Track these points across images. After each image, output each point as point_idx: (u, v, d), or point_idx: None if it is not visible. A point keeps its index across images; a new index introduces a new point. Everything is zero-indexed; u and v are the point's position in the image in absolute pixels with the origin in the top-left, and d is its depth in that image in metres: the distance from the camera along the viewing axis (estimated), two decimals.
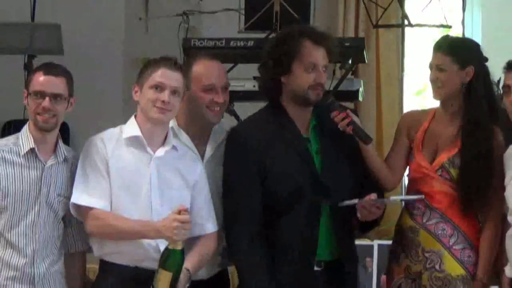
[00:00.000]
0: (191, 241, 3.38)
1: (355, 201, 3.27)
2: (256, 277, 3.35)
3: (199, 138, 3.62)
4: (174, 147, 3.46)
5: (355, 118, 3.48)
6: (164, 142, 3.44)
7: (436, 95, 3.62)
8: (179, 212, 3.21)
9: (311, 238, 3.38)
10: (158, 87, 3.36)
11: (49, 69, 3.40)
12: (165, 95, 3.36)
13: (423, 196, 3.49)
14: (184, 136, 3.58)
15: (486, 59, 3.61)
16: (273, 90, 3.49)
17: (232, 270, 3.73)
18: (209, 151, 3.62)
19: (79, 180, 3.37)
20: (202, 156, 3.60)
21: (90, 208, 3.33)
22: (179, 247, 3.20)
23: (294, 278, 3.38)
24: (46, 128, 3.38)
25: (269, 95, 3.52)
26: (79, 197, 3.35)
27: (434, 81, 3.59)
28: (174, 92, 3.38)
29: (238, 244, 3.39)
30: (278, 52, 3.44)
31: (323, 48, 3.43)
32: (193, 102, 3.51)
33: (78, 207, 3.37)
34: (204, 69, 3.56)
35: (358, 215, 3.36)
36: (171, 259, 3.19)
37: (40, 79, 3.37)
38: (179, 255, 3.20)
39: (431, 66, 3.60)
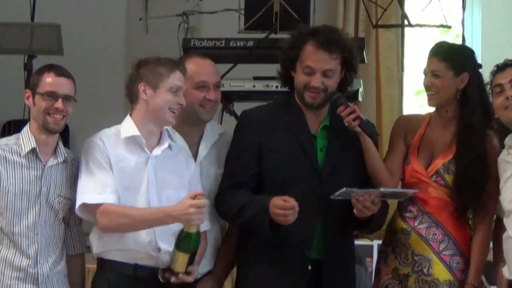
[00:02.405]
0: None
1: (343, 189, 3.26)
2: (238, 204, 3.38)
3: (192, 137, 3.64)
4: (169, 146, 3.47)
5: (361, 114, 3.47)
6: (159, 141, 3.45)
7: (431, 102, 3.61)
8: (195, 197, 3.21)
9: (306, 235, 3.40)
10: (177, 90, 3.39)
11: (59, 70, 3.39)
12: (182, 99, 3.41)
13: (417, 191, 3.48)
14: (178, 137, 3.60)
15: (480, 66, 3.62)
16: (287, 83, 3.55)
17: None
18: (202, 151, 3.65)
19: (86, 180, 3.35)
20: (195, 156, 3.62)
21: (100, 205, 3.30)
22: (195, 230, 3.22)
23: (288, 275, 3.39)
24: (55, 130, 3.38)
25: (285, 87, 3.60)
26: (89, 196, 3.32)
27: (428, 87, 3.58)
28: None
29: (225, 200, 3.44)
30: (287, 49, 3.50)
31: (326, 52, 3.42)
32: (186, 101, 3.48)
33: (86, 207, 3.34)
34: (196, 66, 3.59)
35: (355, 211, 3.35)
36: (188, 242, 3.22)
37: (52, 80, 3.36)
38: (196, 238, 3.23)
39: (426, 72, 3.59)
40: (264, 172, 3.44)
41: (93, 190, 3.32)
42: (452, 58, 3.55)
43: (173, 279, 3.27)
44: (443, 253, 3.54)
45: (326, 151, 3.47)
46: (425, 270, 3.53)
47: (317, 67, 3.42)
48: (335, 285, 3.45)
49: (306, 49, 3.44)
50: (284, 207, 3.24)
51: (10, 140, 3.42)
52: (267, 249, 3.43)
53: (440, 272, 3.52)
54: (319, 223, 3.43)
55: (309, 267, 3.41)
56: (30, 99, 3.39)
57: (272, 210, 3.26)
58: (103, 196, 3.31)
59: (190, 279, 3.30)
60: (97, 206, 3.31)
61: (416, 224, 3.57)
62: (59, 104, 3.34)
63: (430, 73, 3.56)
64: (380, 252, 3.69)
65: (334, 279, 3.44)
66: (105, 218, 3.31)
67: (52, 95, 3.35)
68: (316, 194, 3.42)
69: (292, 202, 3.24)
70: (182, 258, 3.23)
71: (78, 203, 3.33)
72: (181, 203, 3.22)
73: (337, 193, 3.27)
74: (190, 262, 3.25)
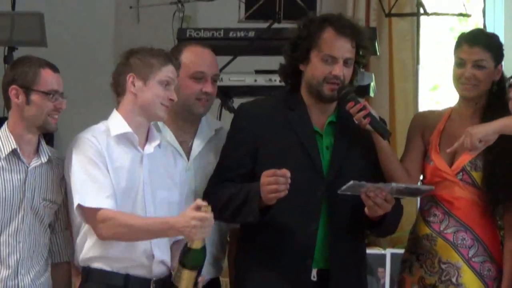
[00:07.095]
0: (176, 243, 3.37)
1: (351, 182, 3.19)
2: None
3: (186, 133, 3.64)
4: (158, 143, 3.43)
5: (373, 111, 3.41)
6: (147, 137, 3.38)
7: (468, 93, 3.53)
8: (199, 208, 3.11)
9: (306, 242, 3.35)
10: (168, 84, 3.33)
11: (53, 65, 3.34)
12: (174, 94, 3.35)
13: (432, 187, 3.40)
14: (168, 133, 3.58)
15: None
16: (291, 78, 3.50)
17: (225, 280, 3.88)
18: (196, 147, 3.63)
19: (81, 180, 3.24)
20: (189, 152, 3.62)
21: (98, 210, 3.20)
22: (199, 246, 3.14)
23: (288, 284, 3.35)
24: (54, 130, 3.34)
25: (287, 82, 3.54)
26: (86, 199, 3.21)
27: (469, 78, 3.49)
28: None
29: (214, 191, 3.40)
30: (298, 38, 3.44)
31: (347, 39, 3.38)
32: (180, 92, 3.43)
33: (82, 210, 3.23)
34: (194, 56, 3.59)
35: (366, 209, 3.28)
36: (193, 259, 3.17)
37: (53, 78, 3.31)
38: (201, 253, 3.17)
39: (464, 62, 3.50)
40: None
41: (90, 192, 3.22)
42: (494, 47, 3.53)
43: None
44: (473, 259, 3.48)
45: (333, 150, 3.42)
46: (453, 279, 3.46)
47: (339, 55, 3.36)
48: None
49: (325, 37, 3.37)
50: (275, 173, 3.18)
51: None
52: (267, 256, 3.39)
53: (471, 281, 3.46)
54: (323, 229, 3.38)
55: (314, 277, 3.35)
56: (21, 97, 3.26)
57: (263, 180, 3.20)
58: (101, 200, 3.20)
59: None
60: (95, 210, 3.20)
61: (442, 228, 3.50)
62: (63, 104, 3.30)
63: (473, 63, 3.49)
64: (403, 261, 3.62)
65: None
66: (104, 226, 3.20)
67: (56, 94, 3.28)
68: (319, 197, 3.36)
69: (283, 170, 3.19)
70: (189, 276, 3.18)
71: (74, 204, 3.24)
72: (183, 215, 3.13)
73: (344, 187, 3.21)
74: (196, 278, 3.20)
